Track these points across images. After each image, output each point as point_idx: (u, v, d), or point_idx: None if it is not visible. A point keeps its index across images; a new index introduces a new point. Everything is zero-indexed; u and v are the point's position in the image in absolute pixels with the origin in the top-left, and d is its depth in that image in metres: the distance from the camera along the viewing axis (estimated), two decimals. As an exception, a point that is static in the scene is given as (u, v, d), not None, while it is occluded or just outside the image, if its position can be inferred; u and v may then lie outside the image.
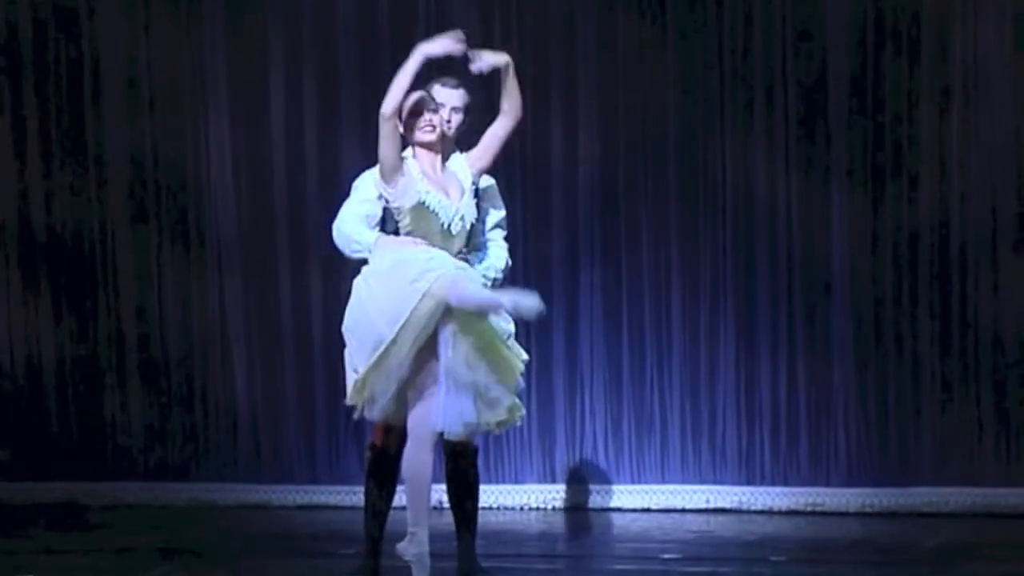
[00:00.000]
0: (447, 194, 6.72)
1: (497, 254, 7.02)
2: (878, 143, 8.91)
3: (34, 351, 9.60)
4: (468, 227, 6.78)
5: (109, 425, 9.56)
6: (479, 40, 9.09)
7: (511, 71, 6.84)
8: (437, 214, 6.67)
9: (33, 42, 9.52)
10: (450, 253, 6.69)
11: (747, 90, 9.00)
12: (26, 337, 9.60)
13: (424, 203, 6.65)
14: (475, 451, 7.04)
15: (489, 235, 7.04)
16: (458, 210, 6.72)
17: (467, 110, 6.94)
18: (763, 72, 8.98)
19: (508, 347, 6.66)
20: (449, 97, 6.89)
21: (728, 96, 9.02)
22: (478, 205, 6.90)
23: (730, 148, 9.02)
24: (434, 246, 6.67)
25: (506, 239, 7.11)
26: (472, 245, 6.92)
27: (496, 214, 7.07)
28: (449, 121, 6.84)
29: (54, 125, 9.52)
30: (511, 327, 6.67)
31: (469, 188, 6.81)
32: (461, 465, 7.01)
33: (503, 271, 7.02)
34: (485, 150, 6.90)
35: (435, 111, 6.75)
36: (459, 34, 6.75)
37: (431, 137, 6.74)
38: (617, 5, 9.09)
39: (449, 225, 6.69)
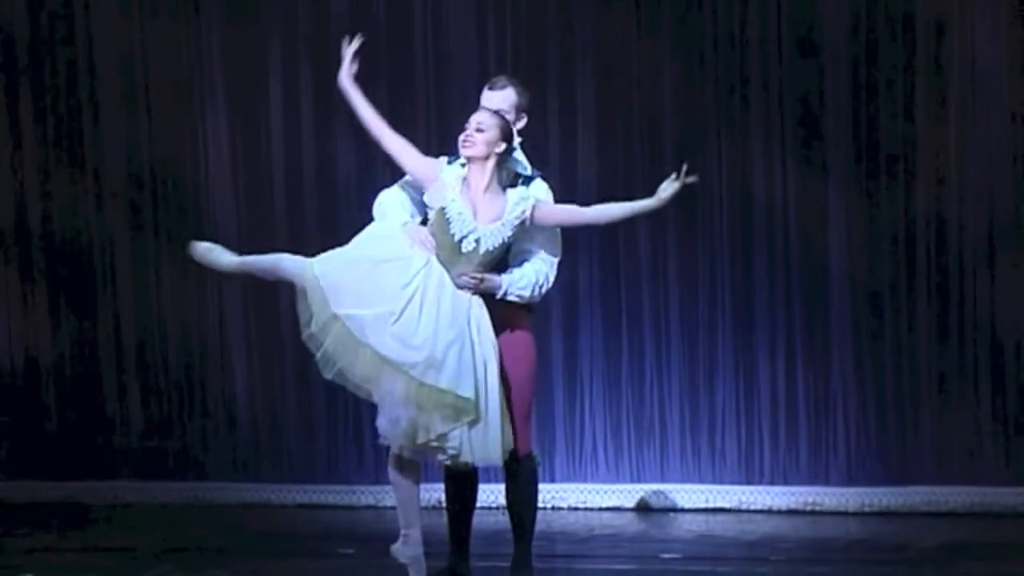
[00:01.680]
0: (475, 213, 6.63)
1: (537, 267, 6.77)
2: (875, 143, 8.90)
3: (34, 351, 9.61)
4: (482, 253, 6.61)
5: (109, 425, 9.57)
6: (475, 43, 9.15)
7: (647, 205, 6.67)
8: (451, 224, 6.59)
9: (29, 43, 9.53)
10: (449, 270, 6.56)
11: (744, 91, 9.00)
12: (26, 337, 9.61)
13: (444, 210, 6.60)
14: (526, 458, 6.87)
15: (535, 250, 6.80)
16: (476, 230, 6.60)
17: (517, 111, 6.84)
18: (761, 72, 8.97)
19: (405, 371, 6.46)
20: (490, 100, 6.83)
21: (725, 97, 9.01)
22: (530, 232, 6.71)
23: (728, 149, 9.02)
24: (440, 257, 6.58)
25: (543, 259, 6.83)
26: (494, 268, 6.70)
27: (549, 246, 6.83)
28: (481, 129, 6.65)
29: (51, 126, 9.53)
30: (415, 356, 6.42)
31: (508, 220, 6.64)
32: (511, 472, 6.87)
33: (530, 287, 6.76)
34: (556, 213, 6.76)
35: (480, 130, 6.67)
36: (346, 40, 6.84)
37: (469, 152, 6.67)
38: (614, 4, 9.08)
39: (460, 241, 6.58)
